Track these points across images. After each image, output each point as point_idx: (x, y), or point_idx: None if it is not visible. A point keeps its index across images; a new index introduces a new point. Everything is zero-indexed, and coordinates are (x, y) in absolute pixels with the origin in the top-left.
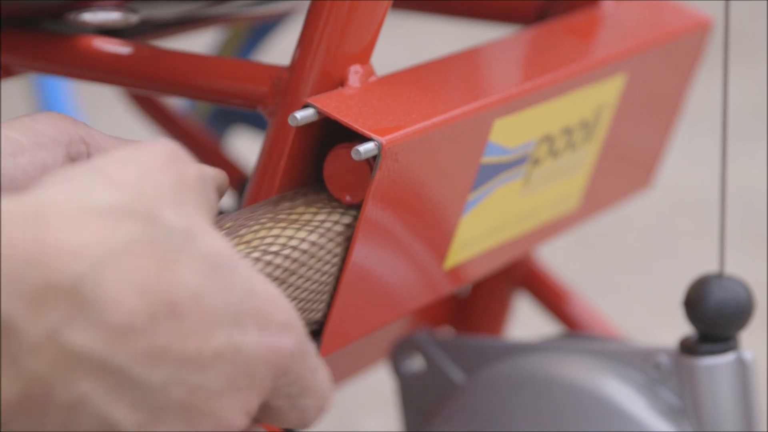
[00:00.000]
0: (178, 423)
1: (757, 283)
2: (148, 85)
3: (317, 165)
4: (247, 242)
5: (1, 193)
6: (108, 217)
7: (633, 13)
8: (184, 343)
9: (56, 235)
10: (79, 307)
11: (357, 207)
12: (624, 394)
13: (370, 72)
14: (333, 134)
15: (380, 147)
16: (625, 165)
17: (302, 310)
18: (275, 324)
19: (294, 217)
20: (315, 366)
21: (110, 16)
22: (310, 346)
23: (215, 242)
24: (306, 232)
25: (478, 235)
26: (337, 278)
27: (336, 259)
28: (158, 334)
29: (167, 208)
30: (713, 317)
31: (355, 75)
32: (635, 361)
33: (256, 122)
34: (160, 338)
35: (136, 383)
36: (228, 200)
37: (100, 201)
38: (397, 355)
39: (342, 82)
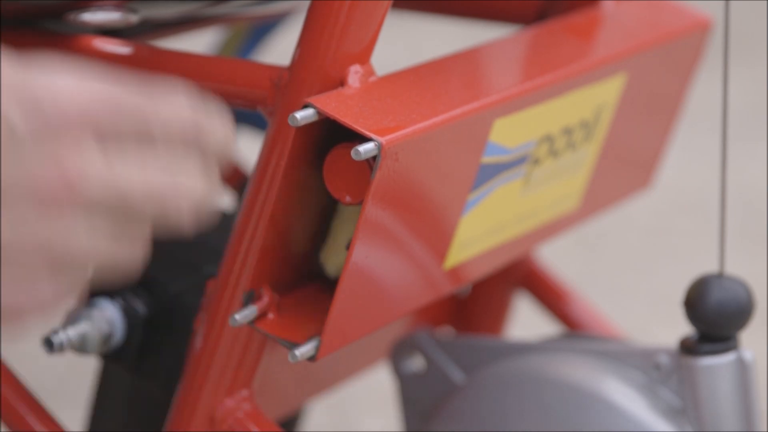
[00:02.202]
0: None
1: (757, 283)
2: None
3: (317, 165)
4: None
5: None
6: None
7: (633, 13)
8: None
9: None
10: None
11: (357, 207)
12: (624, 394)
13: (370, 72)
14: (333, 134)
15: (380, 147)
16: (625, 165)
17: None
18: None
19: None
20: None
21: (110, 16)
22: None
23: None
24: None
25: (478, 235)
26: None
27: None
28: None
29: None
30: (713, 317)
31: (355, 75)
32: (635, 361)
33: (256, 122)
34: None
35: None
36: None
37: None
38: (397, 355)
39: (342, 82)
